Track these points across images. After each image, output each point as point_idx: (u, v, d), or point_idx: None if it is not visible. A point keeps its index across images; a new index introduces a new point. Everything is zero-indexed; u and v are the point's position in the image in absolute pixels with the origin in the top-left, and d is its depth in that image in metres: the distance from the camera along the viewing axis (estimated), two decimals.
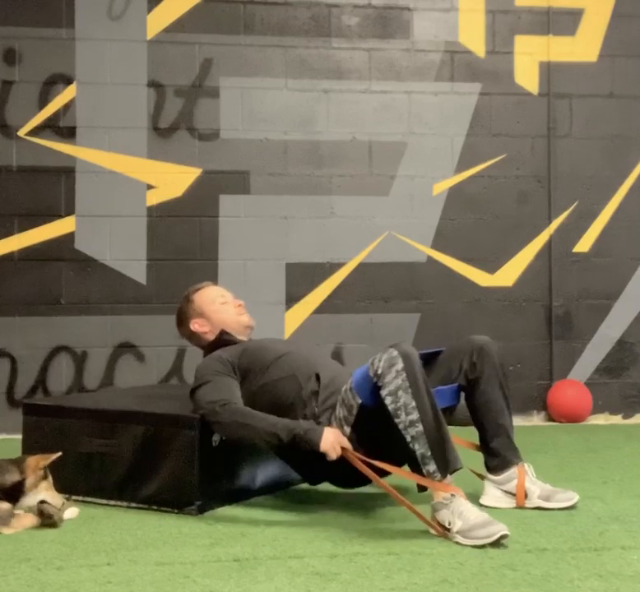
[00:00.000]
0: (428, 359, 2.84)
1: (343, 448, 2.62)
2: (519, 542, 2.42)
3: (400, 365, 2.52)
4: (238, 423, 2.71)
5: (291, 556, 2.33)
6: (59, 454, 2.71)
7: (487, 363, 2.83)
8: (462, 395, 2.90)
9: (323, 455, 2.62)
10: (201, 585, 2.10)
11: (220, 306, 3.11)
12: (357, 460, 2.62)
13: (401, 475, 2.59)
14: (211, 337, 3.09)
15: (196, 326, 3.10)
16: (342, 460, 2.63)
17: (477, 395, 2.85)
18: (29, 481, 2.63)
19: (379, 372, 2.54)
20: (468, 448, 2.88)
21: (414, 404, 2.50)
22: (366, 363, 2.63)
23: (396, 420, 2.51)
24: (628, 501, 2.92)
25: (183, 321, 3.15)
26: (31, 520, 2.62)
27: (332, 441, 2.61)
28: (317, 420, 2.75)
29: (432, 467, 2.50)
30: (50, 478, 2.71)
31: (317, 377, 2.85)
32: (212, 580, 2.14)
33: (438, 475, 2.50)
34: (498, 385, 2.84)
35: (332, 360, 3.36)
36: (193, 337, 3.15)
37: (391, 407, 2.51)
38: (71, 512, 2.72)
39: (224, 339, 3.05)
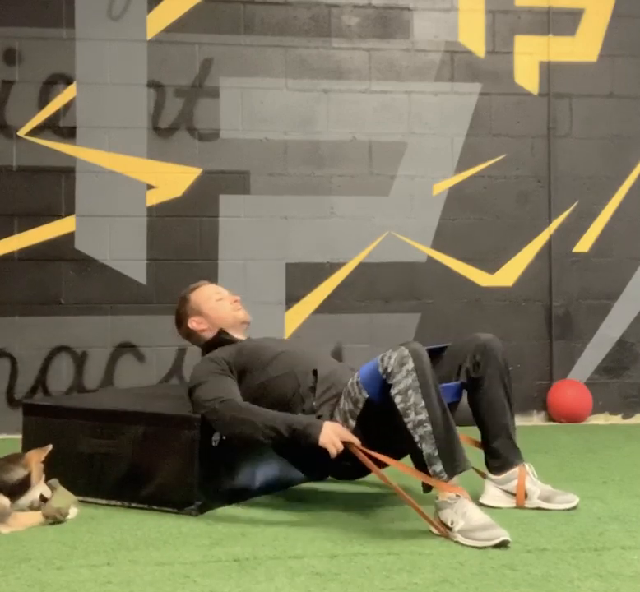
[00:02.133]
0: (433, 355, 2.81)
1: (346, 442, 2.62)
2: (519, 542, 2.42)
3: (410, 365, 2.52)
4: (238, 418, 2.71)
5: (291, 556, 2.33)
6: (50, 446, 2.72)
7: (490, 363, 2.83)
8: (465, 392, 2.89)
9: (323, 451, 2.61)
10: (201, 585, 2.10)
11: (216, 303, 3.13)
12: (362, 454, 2.63)
13: (407, 473, 2.58)
14: (208, 335, 3.10)
15: (193, 324, 3.12)
16: (344, 455, 2.62)
17: (479, 395, 2.85)
18: (34, 474, 2.66)
19: (389, 370, 2.54)
20: (470, 445, 2.87)
21: (423, 403, 2.50)
22: (374, 359, 2.63)
23: (405, 420, 2.51)
24: (628, 501, 2.92)
25: (181, 320, 3.16)
26: (30, 518, 2.63)
27: (331, 435, 2.61)
28: (316, 414, 2.76)
29: (438, 467, 2.50)
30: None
31: (315, 373, 2.86)
32: (212, 580, 2.14)
33: (445, 475, 2.50)
34: (501, 384, 2.84)
35: (330, 357, 3.37)
36: (192, 336, 3.16)
37: (400, 406, 2.52)
38: (71, 512, 2.71)
39: (221, 339, 3.06)
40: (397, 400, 2.52)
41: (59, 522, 2.64)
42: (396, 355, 2.55)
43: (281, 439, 2.67)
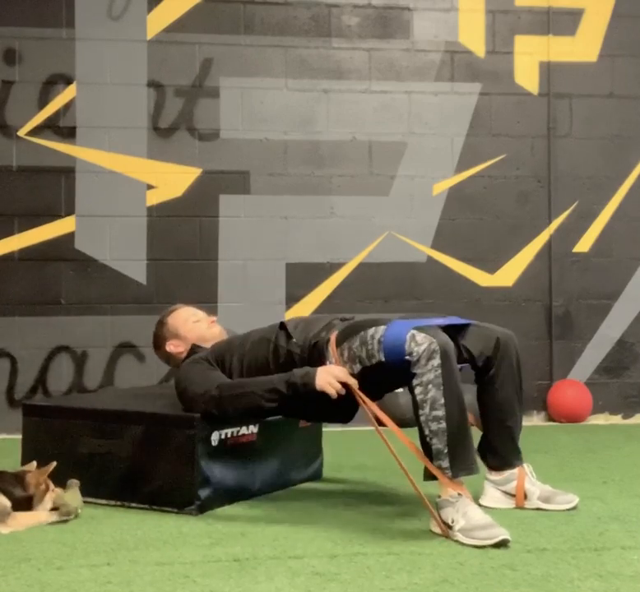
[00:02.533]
0: (454, 330, 2.80)
1: (345, 384, 2.64)
2: (519, 542, 2.42)
3: (437, 361, 2.52)
4: (237, 394, 2.74)
5: (291, 556, 2.33)
6: (54, 464, 2.72)
7: (505, 362, 2.80)
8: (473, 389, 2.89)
9: (325, 397, 2.63)
10: (201, 585, 2.10)
11: (193, 324, 3.14)
12: (359, 394, 2.65)
13: (412, 451, 2.56)
14: (184, 356, 3.11)
15: (171, 347, 3.13)
16: (346, 395, 2.65)
17: (490, 394, 2.83)
18: (35, 498, 2.66)
19: (415, 357, 2.53)
20: (474, 425, 2.85)
21: (442, 401, 2.51)
22: (404, 327, 2.60)
23: (420, 411, 2.52)
24: (628, 501, 2.92)
25: (159, 344, 3.18)
26: (30, 518, 2.63)
27: (327, 378, 2.63)
28: (311, 345, 2.78)
29: (445, 463, 2.51)
30: (51, 485, 2.72)
31: (281, 325, 2.91)
32: (212, 580, 2.14)
33: (449, 473, 2.51)
34: (513, 385, 2.82)
35: None
36: (170, 359, 3.18)
37: (418, 397, 2.53)
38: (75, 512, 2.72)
39: (194, 352, 3.07)
40: (417, 390, 2.53)
41: (63, 521, 2.65)
42: (425, 345, 2.53)
43: (284, 398, 2.69)
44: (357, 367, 2.69)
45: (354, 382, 2.66)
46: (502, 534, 2.39)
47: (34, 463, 2.76)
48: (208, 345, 3.08)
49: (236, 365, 2.90)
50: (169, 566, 2.25)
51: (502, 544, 2.37)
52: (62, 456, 2.80)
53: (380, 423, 2.64)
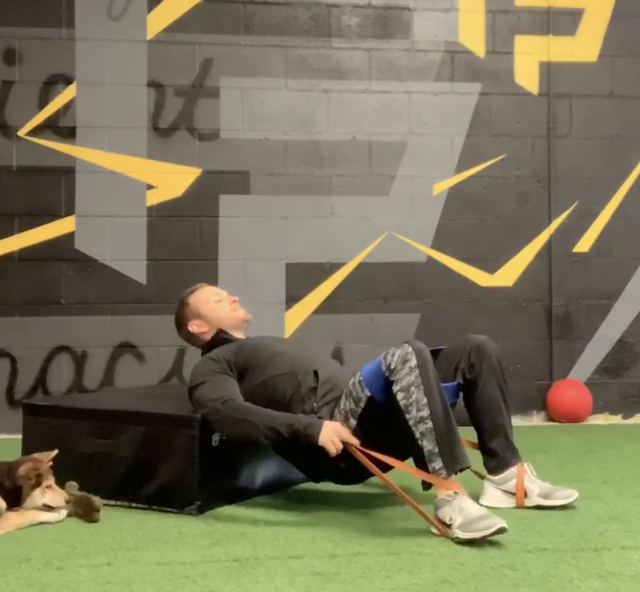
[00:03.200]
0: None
1: (345, 443, 2.63)
2: (519, 542, 2.42)
3: (413, 362, 2.54)
4: (239, 419, 2.73)
5: (291, 556, 2.33)
6: (51, 459, 2.72)
7: (485, 363, 2.84)
8: (461, 393, 2.90)
9: (323, 451, 2.62)
10: (201, 585, 2.10)
11: (215, 304, 3.14)
12: (360, 453, 2.63)
13: (406, 471, 2.59)
14: (208, 337, 3.11)
15: (194, 327, 3.13)
16: (343, 455, 2.63)
17: (475, 396, 2.86)
18: (22, 490, 2.65)
19: (392, 367, 2.56)
20: (468, 446, 2.88)
21: (425, 401, 2.52)
22: (376, 358, 2.65)
23: (407, 416, 2.53)
24: (628, 501, 2.92)
25: (181, 324, 3.18)
26: (21, 518, 2.62)
27: (331, 435, 2.62)
28: (317, 415, 2.76)
29: (438, 464, 2.51)
30: (48, 479, 2.71)
31: (316, 374, 2.87)
32: (212, 580, 2.14)
33: (444, 473, 2.51)
34: (496, 384, 2.85)
35: (331, 359, 3.39)
36: (192, 338, 3.18)
37: (402, 402, 2.53)
38: (65, 513, 2.71)
39: (220, 338, 3.07)
40: (400, 396, 2.54)
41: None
42: (399, 352, 2.57)
43: (282, 439, 2.69)
44: (353, 423, 2.69)
45: (355, 442, 2.65)
46: (498, 522, 2.39)
47: (56, 451, 2.75)
48: (234, 333, 3.08)
49: (255, 386, 2.87)
50: (169, 566, 2.25)
51: (500, 532, 2.37)
52: (62, 456, 2.80)
53: (380, 466, 2.64)
